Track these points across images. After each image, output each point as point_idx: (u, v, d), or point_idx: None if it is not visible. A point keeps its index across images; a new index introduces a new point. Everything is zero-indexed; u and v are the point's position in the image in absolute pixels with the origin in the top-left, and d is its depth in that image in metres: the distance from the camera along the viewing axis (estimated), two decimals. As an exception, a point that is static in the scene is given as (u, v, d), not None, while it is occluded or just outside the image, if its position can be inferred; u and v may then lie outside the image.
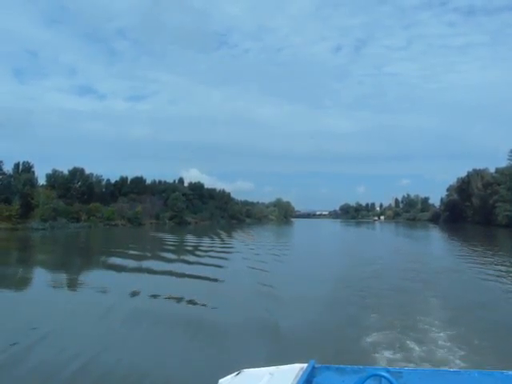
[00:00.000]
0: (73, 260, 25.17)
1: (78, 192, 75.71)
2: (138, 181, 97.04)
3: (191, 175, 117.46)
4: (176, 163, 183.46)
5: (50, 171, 77.00)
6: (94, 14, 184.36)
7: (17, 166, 74.61)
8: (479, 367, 4.92)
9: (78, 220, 63.31)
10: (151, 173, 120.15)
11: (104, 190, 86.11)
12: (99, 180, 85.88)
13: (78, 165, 79.59)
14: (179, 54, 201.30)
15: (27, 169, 75.79)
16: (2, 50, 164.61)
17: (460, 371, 3.05)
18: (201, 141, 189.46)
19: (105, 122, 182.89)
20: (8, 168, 67.43)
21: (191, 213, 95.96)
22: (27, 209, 58.30)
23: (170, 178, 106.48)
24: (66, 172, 77.72)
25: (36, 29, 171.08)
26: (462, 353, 7.72)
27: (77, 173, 79.05)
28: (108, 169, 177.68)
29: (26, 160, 73.51)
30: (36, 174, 73.57)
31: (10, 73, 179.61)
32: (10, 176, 63.71)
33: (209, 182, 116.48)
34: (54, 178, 76.82)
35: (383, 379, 2.61)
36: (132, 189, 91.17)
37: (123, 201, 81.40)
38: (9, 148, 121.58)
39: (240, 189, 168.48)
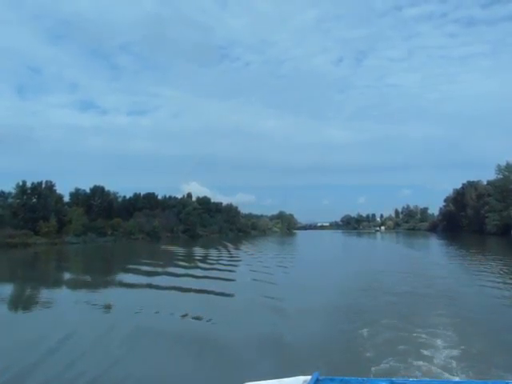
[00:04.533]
0: (95, 277, 25.71)
1: (100, 208, 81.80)
2: (151, 196, 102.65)
3: (192, 188, 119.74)
4: (176, 176, 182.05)
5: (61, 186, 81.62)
6: (97, 30, 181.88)
7: (40, 184, 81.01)
8: (482, 378, 5.54)
9: (104, 234, 69.03)
10: (150, 186, 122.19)
11: (120, 205, 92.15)
12: (116, 197, 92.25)
13: (78, 179, 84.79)
14: (182, 68, 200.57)
15: (49, 187, 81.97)
16: (4, 66, 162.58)
17: (463, 382, 3.12)
18: (202, 154, 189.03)
19: (106, 137, 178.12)
20: (11, 184, 71.39)
21: (201, 226, 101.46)
22: (60, 225, 64.15)
23: (168, 191, 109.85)
24: (87, 190, 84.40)
25: (38, 44, 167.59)
26: (466, 363, 7.65)
27: (97, 190, 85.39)
28: (110, 183, 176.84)
29: (28, 175, 78.45)
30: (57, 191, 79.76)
31: (12, 89, 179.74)
32: (46, 196, 69.29)
33: (209, 195, 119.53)
34: (76, 196, 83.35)
35: None
36: (145, 204, 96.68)
37: (139, 216, 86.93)
38: (10, 163, 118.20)
39: (241, 201, 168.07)
